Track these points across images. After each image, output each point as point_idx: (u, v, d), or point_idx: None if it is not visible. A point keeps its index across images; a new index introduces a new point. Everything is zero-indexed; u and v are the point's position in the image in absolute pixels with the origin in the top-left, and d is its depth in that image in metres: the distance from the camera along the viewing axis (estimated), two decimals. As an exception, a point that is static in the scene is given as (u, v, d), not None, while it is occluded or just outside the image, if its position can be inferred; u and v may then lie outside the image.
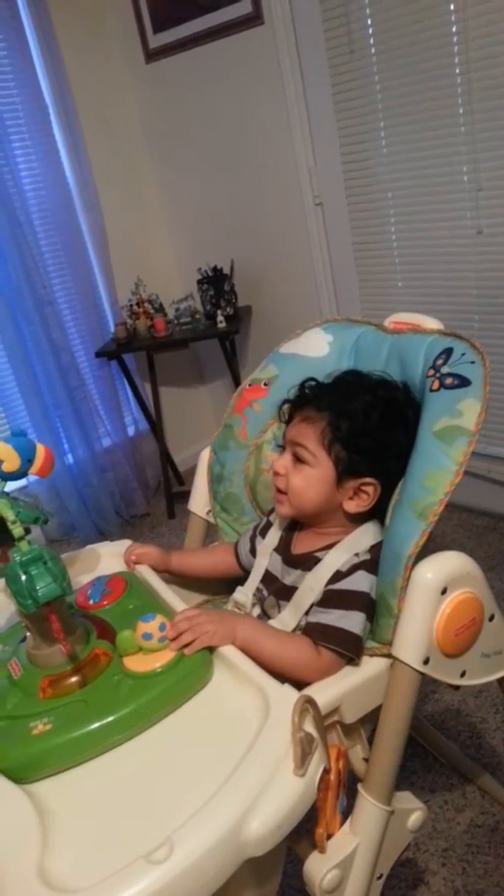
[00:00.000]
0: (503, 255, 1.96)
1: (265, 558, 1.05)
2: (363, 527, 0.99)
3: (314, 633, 0.90)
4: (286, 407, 1.05)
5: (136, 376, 2.81)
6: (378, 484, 0.96)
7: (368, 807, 0.86)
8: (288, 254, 2.55)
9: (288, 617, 0.96)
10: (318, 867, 0.82)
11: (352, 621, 0.89)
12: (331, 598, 0.92)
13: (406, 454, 0.92)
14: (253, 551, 1.10)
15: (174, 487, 2.87)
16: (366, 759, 0.92)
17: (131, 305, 2.63)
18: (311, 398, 1.01)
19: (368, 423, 0.95)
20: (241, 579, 1.09)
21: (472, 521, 2.26)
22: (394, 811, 0.88)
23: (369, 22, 2.00)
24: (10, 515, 0.74)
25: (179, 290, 2.77)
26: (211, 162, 2.65)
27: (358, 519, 0.99)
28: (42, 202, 2.50)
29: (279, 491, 1.00)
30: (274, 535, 1.07)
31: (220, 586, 1.21)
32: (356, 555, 0.95)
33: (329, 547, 0.98)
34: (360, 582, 0.92)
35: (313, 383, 1.05)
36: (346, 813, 0.87)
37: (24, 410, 2.56)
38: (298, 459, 0.98)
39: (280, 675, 0.83)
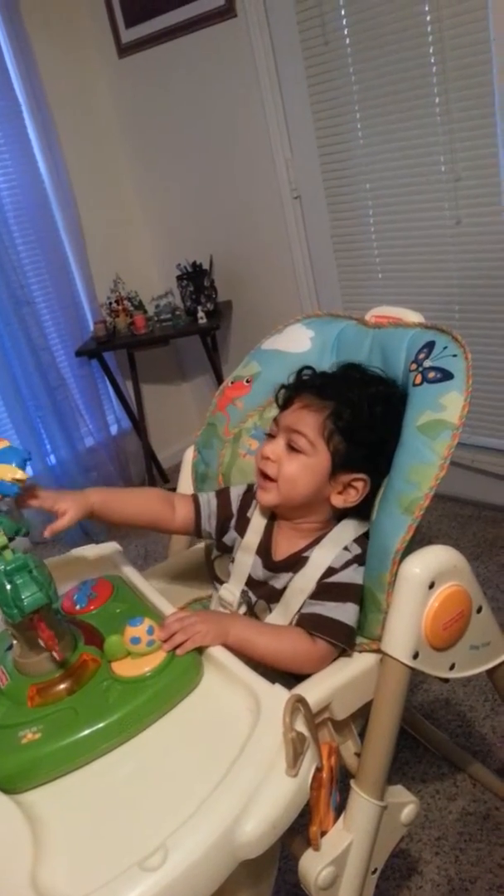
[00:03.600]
0: (482, 245, 1.96)
1: (250, 557, 1.03)
2: (345, 520, 0.99)
3: (307, 623, 0.90)
4: (283, 392, 1.03)
5: (118, 374, 2.79)
6: (368, 481, 0.95)
7: (361, 803, 0.86)
8: (267, 247, 2.54)
9: (278, 618, 0.96)
10: (313, 865, 0.83)
11: (345, 612, 0.89)
12: (325, 591, 0.92)
13: (394, 452, 0.92)
14: (223, 529, 1.07)
15: (158, 485, 2.86)
16: (357, 755, 0.92)
17: (110, 303, 2.60)
18: (315, 385, 0.99)
19: (372, 417, 0.94)
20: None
21: (456, 511, 2.27)
22: (387, 806, 0.88)
23: (343, 13, 1.99)
24: (-9, 524, 0.73)
25: (159, 286, 2.75)
26: (187, 156, 2.63)
27: (339, 515, 0.99)
28: (16, 200, 2.46)
29: (267, 478, 0.97)
30: (254, 535, 1.04)
31: (207, 585, 1.20)
32: (346, 549, 0.95)
33: (313, 544, 0.97)
34: (353, 575, 0.92)
35: (311, 371, 1.04)
36: (339, 809, 0.87)
37: (5, 412, 2.53)
38: (292, 448, 0.95)
39: (272, 669, 0.83)
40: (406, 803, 0.91)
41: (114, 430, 2.90)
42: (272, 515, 1.04)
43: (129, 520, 1.05)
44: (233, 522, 1.07)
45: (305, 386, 1.00)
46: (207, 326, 2.50)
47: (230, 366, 2.70)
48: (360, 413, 0.94)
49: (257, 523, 1.04)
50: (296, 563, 0.97)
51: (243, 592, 1.02)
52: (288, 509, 1.00)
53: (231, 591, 1.03)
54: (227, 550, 1.08)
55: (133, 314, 2.57)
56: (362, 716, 0.92)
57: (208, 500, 1.08)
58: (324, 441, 0.94)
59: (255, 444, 1.14)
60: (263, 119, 2.31)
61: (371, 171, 2.13)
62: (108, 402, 2.88)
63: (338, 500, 0.97)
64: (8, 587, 0.73)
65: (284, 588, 0.97)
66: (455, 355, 0.91)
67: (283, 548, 1.01)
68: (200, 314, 2.49)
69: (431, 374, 0.91)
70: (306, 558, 0.96)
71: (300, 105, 2.21)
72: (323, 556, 0.95)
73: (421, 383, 0.91)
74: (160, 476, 2.96)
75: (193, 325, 2.52)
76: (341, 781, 0.87)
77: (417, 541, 0.88)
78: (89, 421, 2.75)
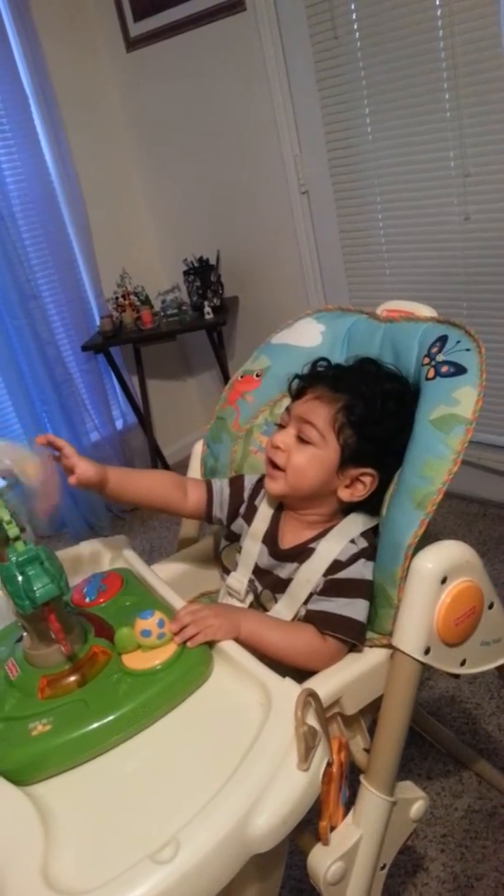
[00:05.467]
0: (491, 241, 1.95)
1: (256, 545, 1.02)
2: (352, 514, 0.99)
3: (318, 621, 0.90)
4: (296, 382, 1.03)
5: (124, 369, 2.78)
6: (377, 476, 0.95)
7: (371, 798, 0.86)
8: (274, 243, 2.54)
9: (283, 609, 0.96)
10: (322, 859, 0.82)
11: (355, 609, 0.89)
12: (333, 587, 0.92)
13: (404, 448, 0.91)
14: (233, 517, 1.07)
15: (164, 481, 2.85)
16: (366, 750, 0.92)
17: (117, 298, 2.60)
18: (329, 377, 0.99)
19: (385, 412, 0.94)
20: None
21: (462, 509, 2.27)
22: (396, 801, 0.88)
23: (353, 7, 1.98)
24: (4, 515, 0.73)
25: (165, 281, 2.75)
26: (195, 151, 2.62)
27: (346, 508, 0.99)
28: (24, 195, 2.46)
29: (275, 467, 0.97)
30: (261, 523, 1.04)
31: (215, 579, 1.20)
32: (352, 542, 0.94)
33: (319, 536, 0.97)
34: (362, 570, 0.92)
35: (326, 363, 1.03)
36: (349, 804, 0.87)
37: (11, 406, 2.53)
38: (302, 439, 0.95)
39: (282, 665, 0.83)
40: (415, 799, 0.91)
41: (119, 425, 2.89)
42: (280, 505, 1.04)
43: (141, 499, 1.05)
44: (242, 510, 1.07)
45: (319, 377, 1.00)
46: (214, 322, 2.49)
47: (236, 361, 2.70)
48: (372, 408, 0.94)
49: (265, 512, 1.04)
50: (301, 553, 0.97)
51: (250, 581, 1.02)
52: (295, 500, 1.00)
53: (239, 579, 1.03)
54: (235, 539, 1.08)
55: (139, 309, 2.57)
56: (371, 711, 0.91)
57: (221, 488, 1.09)
58: (334, 433, 0.94)
59: (265, 441, 1.13)
60: (272, 114, 2.30)
61: (380, 166, 2.12)
62: (114, 397, 2.88)
63: (345, 494, 0.96)
64: (20, 578, 0.72)
65: (290, 578, 0.97)
66: (468, 349, 0.91)
67: (290, 537, 1.01)
68: (207, 309, 2.48)
69: (444, 369, 0.90)
70: (312, 550, 0.96)
71: (309, 100, 2.20)
72: (329, 549, 0.95)
73: (434, 377, 0.91)
74: (165, 472, 2.96)
75: (200, 321, 2.51)
76: (350, 777, 0.86)
77: (424, 538, 0.88)
78: (95, 416, 2.74)
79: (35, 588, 0.72)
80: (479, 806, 1.35)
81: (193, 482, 1.10)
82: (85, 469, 0.95)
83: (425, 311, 1.03)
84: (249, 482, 1.09)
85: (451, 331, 0.95)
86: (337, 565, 0.93)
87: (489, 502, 2.25)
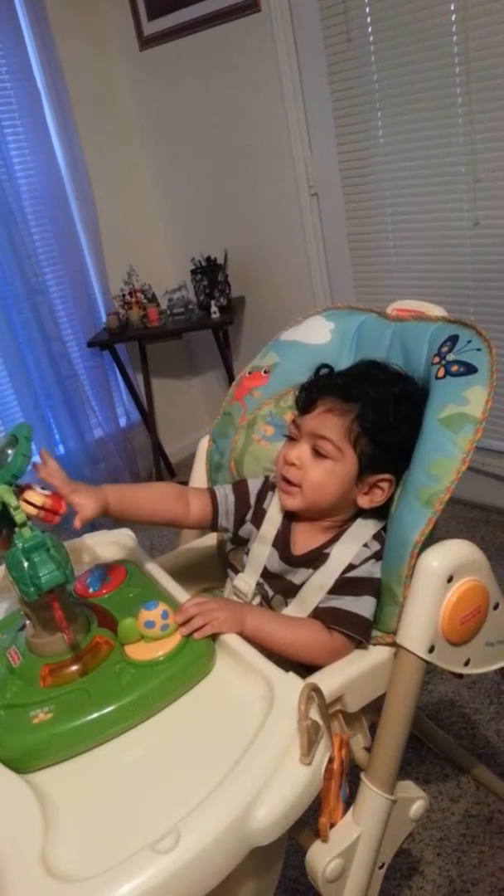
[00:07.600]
0: (500, 246, 1.95)
1: (266, 548, 1.01)
2: (363, 516, 0.98)
3: (325, 616, 0.89)
4: (303, 395, 1.00)
5: (129, 367, 2.79)
6: (394, 481, 0.94)
7: (371, 796, 0.86)
8: (282, 244, 2.54)
9: (294, 612, 0.95)
10: (321, 856, 0.82)
11: (362, 605, 0.89)
12: (342, 585, 0.92)
13: (413, 449, 0.91)
14: (240, 523, 1.04)
15: (166, 479, 2.86)
16: (366, 749, 0.92)
17: (124, 295, 2.60)
18: (336, 386, 0.96)
19: (398, 416, 0.93)
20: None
21: (464, 514, 2.27)
22: (396, 800, 0.88)
23: (367, 10, 1.98)
24: (12, 501, 0.73)
25: (173, 280, 2.75)
26: (205, 150, 2.63)
27: (361, 513, 0.98)
28: (34, 190, 2.47)
29: (290, 483, 0.95)
30: (271, 527, 1.02)
31: (217, 574, 1.19)
32: (365, 545, 0.94)
33: (333, 540, 0.96)
34: (371, 568, 0.92)
35: (328, 371, 1.02)
36: (348, 803, 0.87)
37: (16, 401, 2.53)
38: (317, 453, 0.93)
39: (286, 661, 0.83)
40: (415, 799, 0.91)
41: (123, 422, 2.90)
42: (290, 513, 1.02)
43: (144, 518, 1.01)
44: (249, 515, 1.05)
45: (327, 388, 0.97)
46: (220, 321, 2.49)
47: (241, 362, 2.70)
48: (385, 414, 0.93)
49: (275, 515, 1.02)
50: (315, 558, 0.96)
51: (259, 585, 1.01)
52: (312, 512, 0.98)
53: (246, 581, 1.02)
54: (242, 543, 1.06)
55: (146, 307, 2.57)
56: (373, 710, 0.91)
57: (226, 496, 1.05)
58: (350, 445, 0.93)
59: (270, 430, 1.12)
60: (283, 115, 2.30)
61: (390, 170, 2.12)
62: (118, 394, 2.88)
63: (364, 501, 0.95)
64: (25, 564, 0.72)
65: (302, 583, 0.96)
66: (479, 349, 0.91)
67: (302, 543, 0.99)
68: (213, 309, 2.49)
69: (455, 368, 0.90)
70: (327, 555, 0.95)
71: (321, 102, 2.21)
72: (343, 553, 0.94)
73: (444, 376, 0.91)
74: (167, 470, 2.96)
75: (206, 320, 2.52)
76: (350, 775, 0.86)
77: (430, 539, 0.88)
78: (98, 412, 2.75)
79: (41, 574, 0.72)
80: (477, 811, 1.34)
81: (195, 492, 1.05)
82: (84, 507, 0.88)
83: (435, 310, 1.03)
84: (254, 486, 1.06)
85: (461, 330, 0.95)
86: (349, 569, 0.93)
87: (491, 508, 2.25)
